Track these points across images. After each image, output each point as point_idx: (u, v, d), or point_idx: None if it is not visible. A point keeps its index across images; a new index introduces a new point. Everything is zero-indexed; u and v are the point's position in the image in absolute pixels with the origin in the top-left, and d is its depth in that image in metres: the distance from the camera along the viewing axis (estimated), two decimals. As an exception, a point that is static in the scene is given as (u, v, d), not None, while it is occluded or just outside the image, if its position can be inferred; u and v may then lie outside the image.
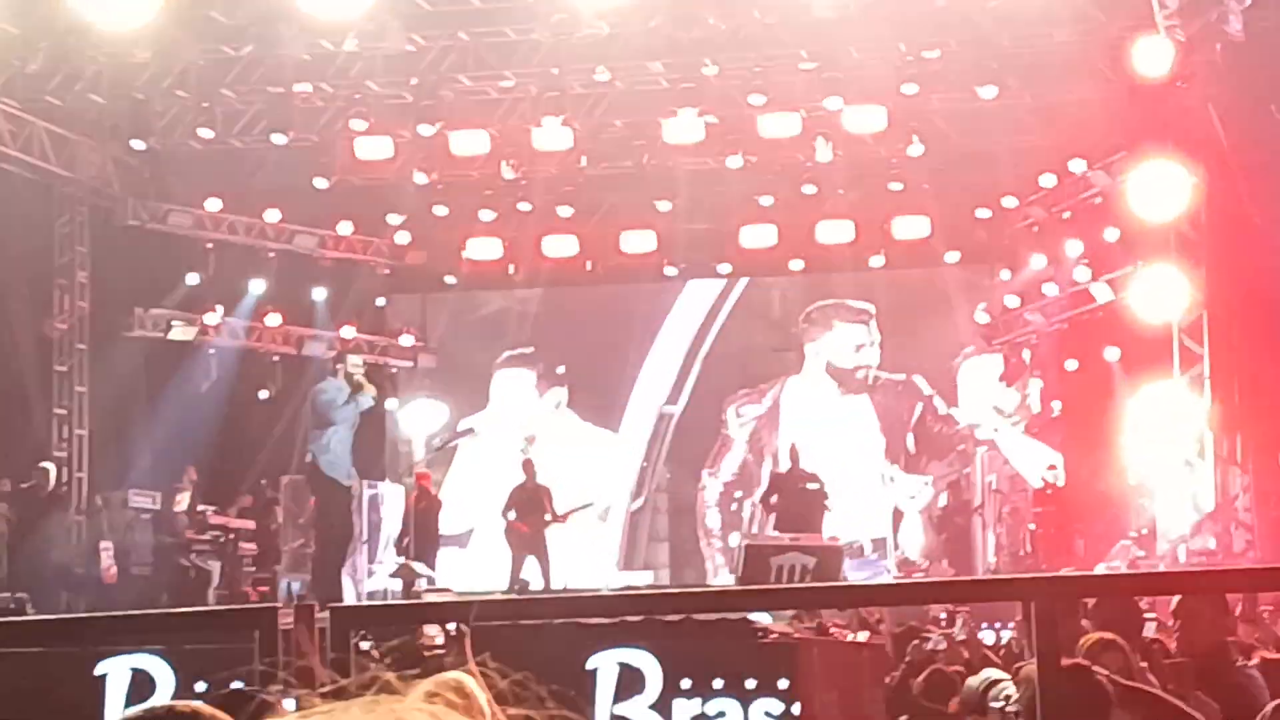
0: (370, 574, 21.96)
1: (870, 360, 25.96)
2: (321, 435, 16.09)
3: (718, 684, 8.21)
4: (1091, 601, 8.38)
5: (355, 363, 16.75)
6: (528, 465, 21.82)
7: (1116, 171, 21.36)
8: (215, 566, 21.75)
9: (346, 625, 6.62)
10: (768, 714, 7.80)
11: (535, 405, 26.15)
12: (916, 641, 12.53)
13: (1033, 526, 22.47)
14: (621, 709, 7.16)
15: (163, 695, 7.72)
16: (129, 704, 6.93)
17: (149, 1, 18.20)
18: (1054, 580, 6.42)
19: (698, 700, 7.71)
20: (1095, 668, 6.57)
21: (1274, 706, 6.63)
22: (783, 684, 8.38)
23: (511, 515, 21.07)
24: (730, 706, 7.86)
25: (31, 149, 22.46)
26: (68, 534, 22.62)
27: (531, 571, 20.72)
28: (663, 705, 7.40)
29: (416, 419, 25.09)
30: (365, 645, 4.94)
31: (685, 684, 8.02)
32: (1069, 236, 23.27)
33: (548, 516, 21.21)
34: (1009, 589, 7.20)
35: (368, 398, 17.88)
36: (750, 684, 8.27)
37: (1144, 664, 7.98)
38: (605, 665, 7.34)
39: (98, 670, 7.05)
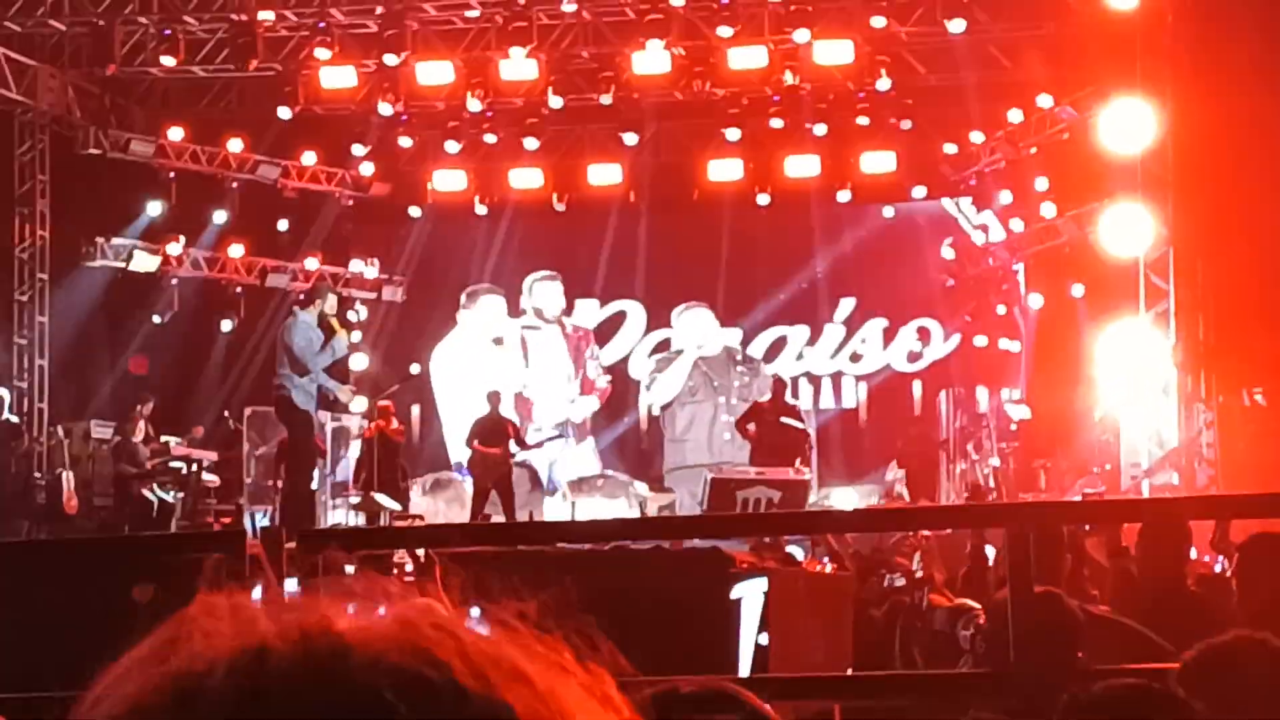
0: (334, 507, 21.87)
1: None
2: (294, 371, 15.94)
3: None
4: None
5: (331, 304, 16.57)
6: (493, 396, 21.77)
7: (1084, 107, 21.30)
8: (178, 498, 21.66)
9: (314, 551, 6.58)
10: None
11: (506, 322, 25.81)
12: (874, 578, 12.54)
13: (995, 462, 22.52)
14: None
15: None
16: None
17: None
18: (1028, 506, 6.42)
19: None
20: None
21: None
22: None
23: (475, 444, 21.06)
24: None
25: (-9, 76, 22.22)
26: (28, 463, 22.51)
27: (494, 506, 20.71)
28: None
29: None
30: (349, 568, 4.89)
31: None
32: (1036, 172, 23.23)
33: (514, 446, 21.20)
34: (982, 515, 7.19)
35: (343, 343, 17.76)
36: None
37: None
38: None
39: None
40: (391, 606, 1.12)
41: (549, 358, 24.95)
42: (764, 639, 8.11)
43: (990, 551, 9.86)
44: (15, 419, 22.76)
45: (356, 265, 26.60)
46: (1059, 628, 5.99)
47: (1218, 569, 10.15)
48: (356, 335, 25.68)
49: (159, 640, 1.04)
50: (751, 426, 21.11)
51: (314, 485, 19.46)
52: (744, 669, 7.62)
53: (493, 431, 21.15)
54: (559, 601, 1.27)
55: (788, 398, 22.06)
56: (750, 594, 7.59)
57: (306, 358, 16.25)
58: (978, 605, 7.33)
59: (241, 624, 1.03)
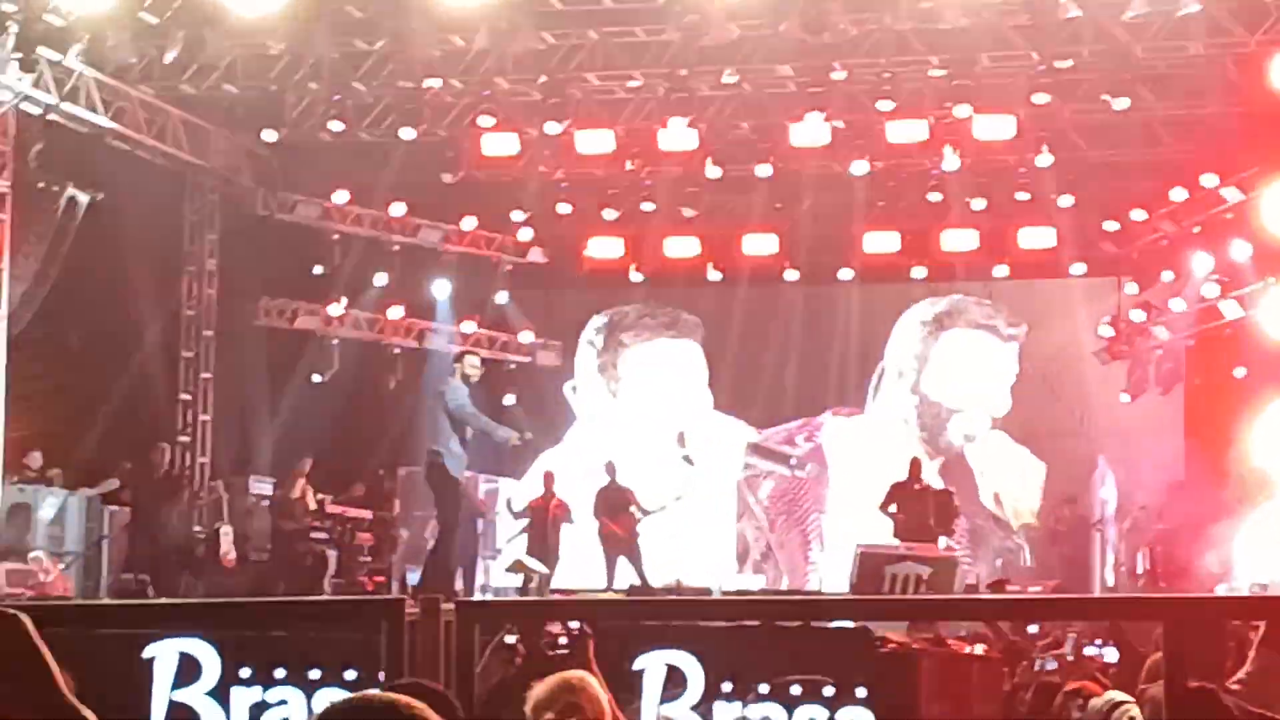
0: (485, 570, 22.12)
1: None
2: (450, 437, 16.23)
3: (828, 692, 8.16)
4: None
5: (473, 363, 16.83)
6: (610, 467, 21.95)
7: (1248, 187, 21.06)
8: (332, 555, 21.95)
9: (472, 619, 6.68)
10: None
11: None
12: (1025, 663, 12.41)
13: (1152, 547, 22.19)
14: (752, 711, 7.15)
15: (208, 681, 7.73)
16: (175, 688, 6.93)
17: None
18: (1187, 601, 6.35)
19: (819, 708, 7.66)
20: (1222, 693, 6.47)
21: None
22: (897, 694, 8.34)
23: (603, 518, 21.29)
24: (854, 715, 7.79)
25: (165, 137, 22.79)
26: (187, 518, 22.93)
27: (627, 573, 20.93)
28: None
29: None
30: (510, 640, 4.98)
31: (795, 690, 7.97)
32: (1198, 251, 22.96)
33: (636, 514, 21.37)
34: (1138, 608, 7.12)
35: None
36: (862, 693, 8.21)
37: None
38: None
39: (145, 653, 7.00)
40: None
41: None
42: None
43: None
44: (175, 473, 23.20)
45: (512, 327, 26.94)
46: (1214, 725, 5.90)
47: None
48: (510, 399, 25.97)
49: None
50: (893, 508, 20.97)
51: (461, 548, 19.74)
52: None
53: (615, 503, 21.35)
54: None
55: (923, 475, 21.80)
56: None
57: (464, 416, 16.51)
58: (1130, 698, 7.26)
59: None
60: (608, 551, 21.17)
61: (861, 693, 7.94)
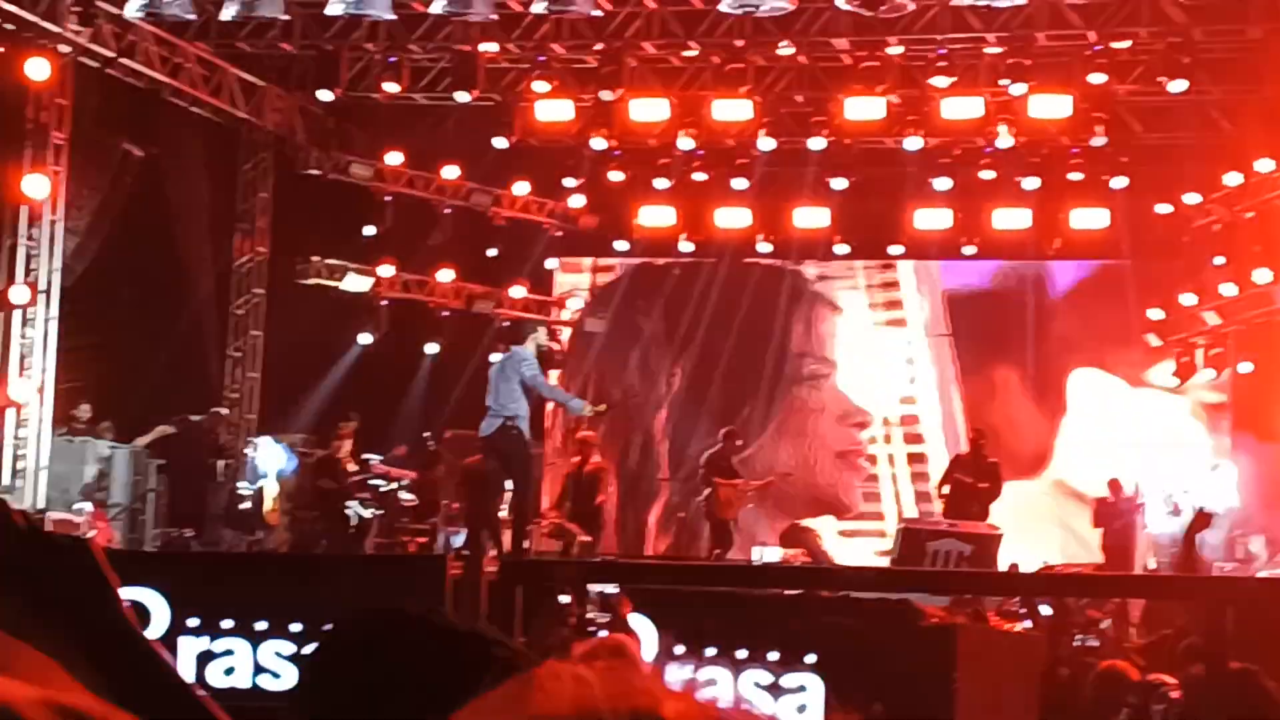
0: (528, 535, 22.15)
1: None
2: (520, 402, 16.48)
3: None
4: None
5: (543, 336, 17.07)
6: (729, 434, 21.76)
7: (1304, 173, 20.93)
8: (376, 515, 22.03)
9: (514, 578, 6.74)
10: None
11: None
12: (1066, 636, 12.42)
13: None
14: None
15: (156, 629, 7.82)
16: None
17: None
18: (1225, 581, 6.36)
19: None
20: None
21: None
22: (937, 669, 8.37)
23: (717, 479, 21.13)
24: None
25: (220, 94, 22.89)
26: (234, 474, 23.06)
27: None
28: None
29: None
30: (564, 599, 5.03)
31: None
32: (1251, 237, 22.83)
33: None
34: (1178, 587, 7.13)
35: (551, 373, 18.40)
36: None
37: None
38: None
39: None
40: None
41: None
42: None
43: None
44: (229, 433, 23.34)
45: (562, 291, 26.99)
46: (1255, 708, 5.92)
47: None
48: (554, 373, 26.05)
49: (506, 693, 1.16)
50: (946, 488, 20.92)
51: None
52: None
53: (727, 467, 21.27)
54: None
55: (985, 452, 21.77)
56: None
57: (538, 386, 16.77)
58: (1172, 679, 7.26)
59: (581, 695, 1.14)
60: (717, 514, 21.08)
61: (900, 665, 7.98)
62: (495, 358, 18.46)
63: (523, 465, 16.92)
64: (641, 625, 7.05)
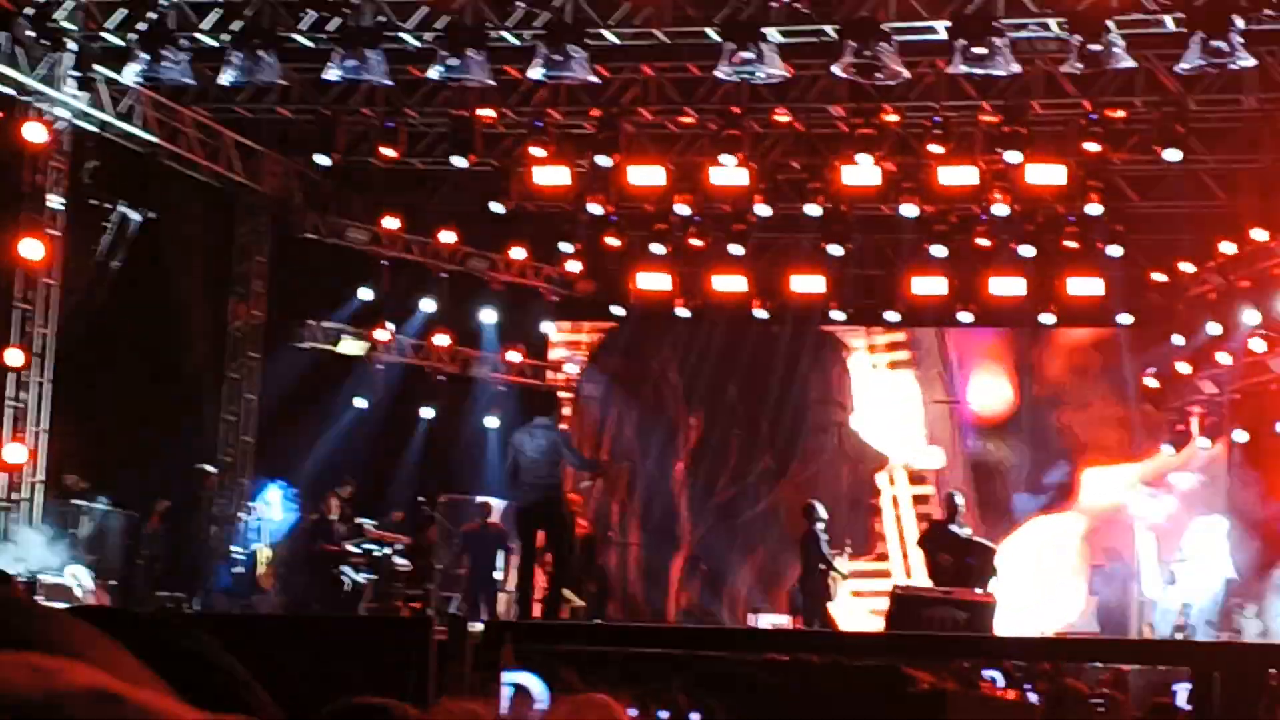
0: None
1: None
2: (554, 471, 16.71)
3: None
4: None
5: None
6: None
7: (1299, 242, 20.97)
8: (369, 580, 21.98)
9: (499, 639, 6.70)
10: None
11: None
12: (1068, 700, 12.35)
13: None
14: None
15: None
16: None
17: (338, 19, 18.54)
18: (1215, 647, 6.33)
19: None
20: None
21: None
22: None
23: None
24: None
25: (218, 158, 22.97)
26: (226, 538, 23.00)
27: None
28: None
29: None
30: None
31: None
32: (1246, 305, 22.85)
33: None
34: (1168, 653, 7.10)
35: None
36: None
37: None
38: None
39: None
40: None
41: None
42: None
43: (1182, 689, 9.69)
44: (222, 494, 23.29)
45: (558, 356, 27.01)
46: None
47: None
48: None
49: None
50: (936, 551, 20.78)
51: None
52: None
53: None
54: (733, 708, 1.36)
55: (958, 518, 21.49)
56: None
57: (565, 454, 17.06)
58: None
59: None
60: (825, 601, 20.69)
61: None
62: (521, 429, 17.79)
63: (567, 532, 17.15)
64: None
